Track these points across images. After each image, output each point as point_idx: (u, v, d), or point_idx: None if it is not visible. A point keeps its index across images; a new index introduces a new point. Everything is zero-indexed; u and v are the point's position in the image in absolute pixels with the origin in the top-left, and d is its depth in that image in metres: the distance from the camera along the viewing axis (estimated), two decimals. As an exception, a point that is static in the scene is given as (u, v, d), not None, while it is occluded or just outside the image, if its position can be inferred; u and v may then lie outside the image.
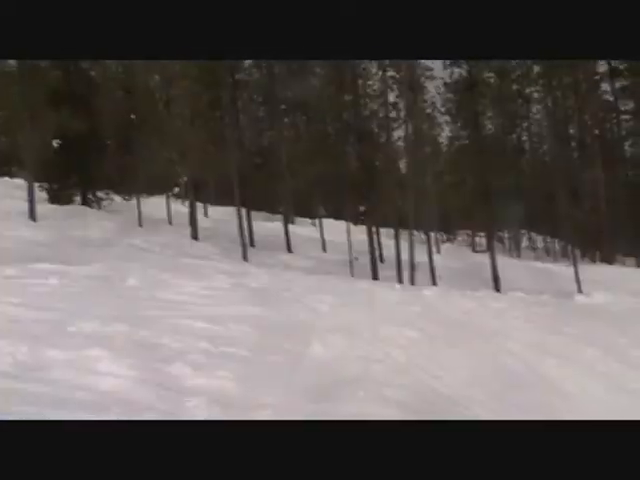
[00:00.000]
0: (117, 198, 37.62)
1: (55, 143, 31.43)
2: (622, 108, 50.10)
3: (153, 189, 39.63)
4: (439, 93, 46.25)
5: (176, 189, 40.08)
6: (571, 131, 49.22)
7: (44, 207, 30.86)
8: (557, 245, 52.91)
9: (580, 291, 25.86)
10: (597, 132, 49.87)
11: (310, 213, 45.77)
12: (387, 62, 36.92)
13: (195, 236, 32.76)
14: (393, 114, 37.77)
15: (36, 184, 31.01)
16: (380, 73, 37.81)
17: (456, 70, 39.20)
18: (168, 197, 38.47)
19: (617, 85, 49.89)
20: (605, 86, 50.48)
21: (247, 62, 40.33)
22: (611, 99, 50.17)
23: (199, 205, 37.54)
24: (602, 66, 50.19)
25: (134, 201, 35.84)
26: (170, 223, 36.75)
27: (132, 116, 37.99)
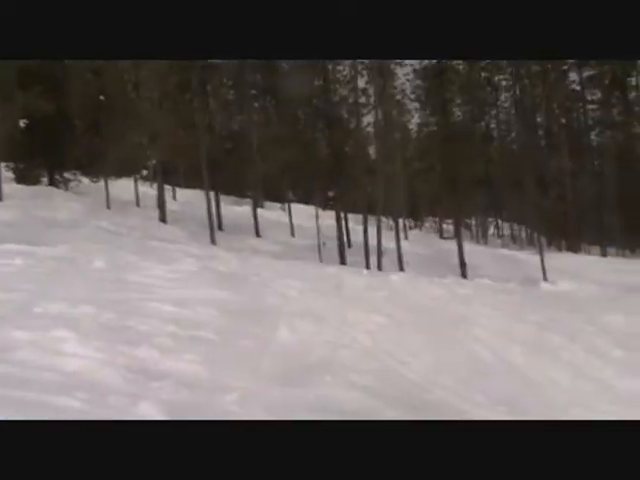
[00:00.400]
0: (85, 180, 37.46)
1: (22, 123, 31.26)
2: (589, 98, 50.54)
3: (121, 171, 39.44)
4: (408, 80, 46.52)
5: (144, 172, 39.94)
6: (538, 119, 49.62)
7: (10, 187, 30.74)
8: (524, 233, 53.16)
9: (546, 279, 26.00)
10: (564, 121, 50.23)
11: (279, 198, 45.83)
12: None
13: (163, 219, 32.63)
14: (363, 100, 37.70)
15: (2, 164, 30.87)
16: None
17: (425, 57, 39.38)
18: (136, 180, 38.42)
19: (584, 75, 50.18)
20: (573, 75, 50.79)
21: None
22: (578, 88, 50.51)
23: (167, 188, 37.44)
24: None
25: (102, 183, 35.71)
26: (138, 206, 36.68)
27: (101, 97, 37.82)
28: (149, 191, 37.50)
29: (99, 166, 36.77)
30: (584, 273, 28.31)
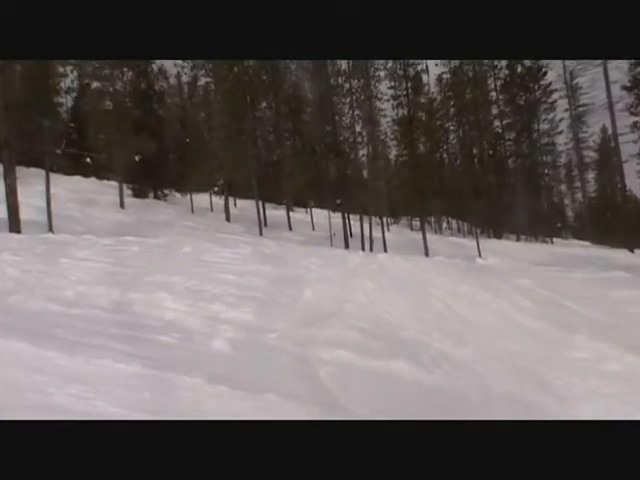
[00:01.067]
0: (177, 194, 37.65)
1: (137, 158, 31.41)
2: (507, 137, 50.32)
3: (200, 188, 39.62)
4: (389, 126, 46.35)
5: (216, 188, 40.07)
6: (475, 151, 49.32)
7: (129, 200, 31.02)
8: (465, 226, 52.96)
9: (480, 256, 25.85)
10: (491, 152, 50.09)
11: (304, 204, 45.77)
12: (355, 104, 36.91)
13: (228, 219, 32.80)
14: (359, 139, 37.79)
15: (124, 185, 31.06)
16: (350, 112, 37.67)
17: (400, 111, 39.37)
18: (210, 194, 38.65)
19: (504, 122, 50.07)
20: (497, 122, 50.57)
21: (262, 104, 40.26)
22: (500, 131, 50.30)
23: (231, 199, 37.50)
24: (495, 110, 50.42)
25: (188, 196, 35.90)
26: (212, 211, 36.80)
27: (186, 140, 37.97)
28: (219, 201, 37.56)
29: (186, 185, 36.97)
30: (505, 252, 28.18)
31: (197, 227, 25.51)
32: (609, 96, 40.51)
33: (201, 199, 38.04)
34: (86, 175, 37.45)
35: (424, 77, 49.61)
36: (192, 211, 34.45)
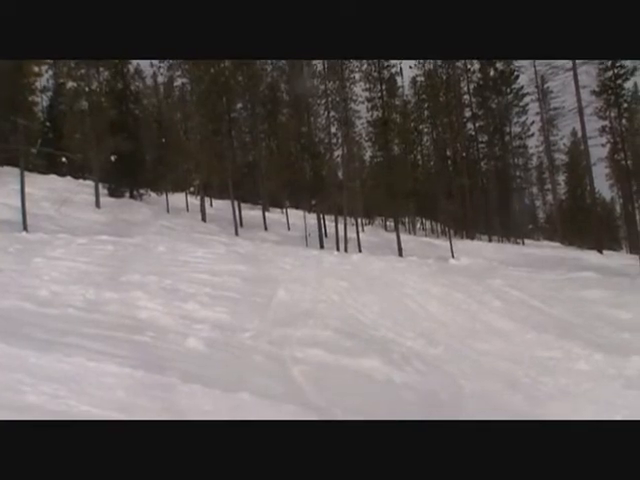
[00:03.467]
0: (153, 194, 37.50)
1: (113, 158, 31.19)
2: (480, 139, 50.66)
3: (176, 188, 39.49)
4: (364, 127, 46.45)
5: (192, 188, 39.96)
6: (448, 153, 49.58)
7: (105, 199, 30.80)
8: (439, 227, 53.19)
9: (453, 257, 25.95)
10: (464, 155, 50.34)
11: (280, 205, 45.65)
12: (330, 106, 36.94)
13: (204, 219, 32.63)
14: (334, 140, 37.84)
15: (100, 184, 30.85)
16: (325, 114, 37.68)
17: (375, 112, 39.50)
18: (186, 193, 38.54)
19: (477, 124, 50.40)
20: (470, 125, 50.91)
21: (238, 105, 40.16)
22: (473, 133, 50.62)
23: (207, 199, 37.36)
24: (468, 112, 50.78)
25: (164, 196, 35.77)
26: (188, 211, 36.64)
27: (163, 140, 37.83)
28: (195, 201, 37.41)
29: (162, 184, 36.82)
30: (477, 253, 28.37)
31: (173, 227, 25.37)
32: (579, 100, 40.97)
33: (177, 199, 37.86)
34: (61, 174, 37.05)
35: (398, 79, 49.74)
36: (168, 211, 34.25)
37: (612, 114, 39.91)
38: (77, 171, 38.50)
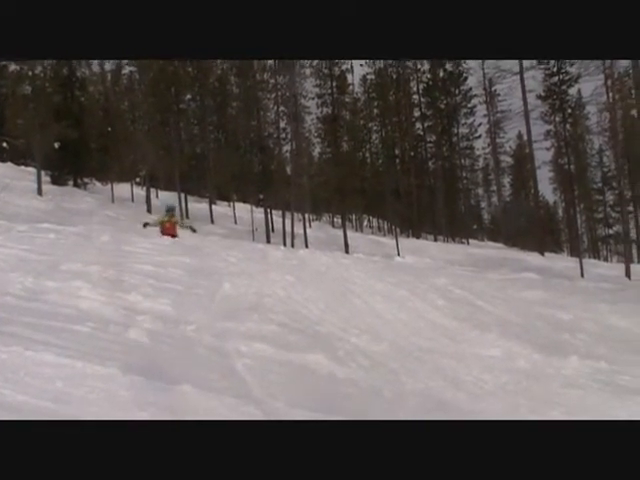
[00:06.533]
0: (98, 183, 36.93)
1: (56, 145, 30.56)
2: (428, 139, 51.15)
3: (122, 178, 38.91)
4: (313, 123, 46.55)
5: (137, 179, 39.49)
6: (396, 152, 49.91)
7: (47, 187, 30.21)
8: (386, 225, 53.59)
9: (398, 255, 26.21)
10: (412, 154, 50.83)
11: (227, 198, 45.37)
12: (280, 101, 36.89)
13: (149, 210, 32.27)
14: (283, 135, 37.85)
15: (43, 171, 30.25)
16: (275, 108, 37.61)
17: (324, 109, 39.61)
18: (132, 184, 38.01)
19: (425, 125, 50.91)
20: (418, 125, 51.37)
21: (187, 97, 39.76)
22: (422, 133, 51.11)
23: (153, 190, 36.96)
24: (417, 112, 51.21)
25: (109, 186, 35.28)
26: (133, 201, 36.19)
27: (109, 129, 37.24)
28: (140, 192, 36.97)
29: (107, 174, 36.31)
30: (423, 252, 28.70)
31: (117, 217, 25.03)
32: (525, 104, 41.73)
33: (122, 189, 37.33)
34: (2, 160, 36.21)
35: (349, 77, 49.94)
36: (113, 201, 33.79)
37: (557, 119, 40.76)
38: (19, 157, 37.65)
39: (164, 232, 15.63)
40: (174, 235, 15.62)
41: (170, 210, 16.98)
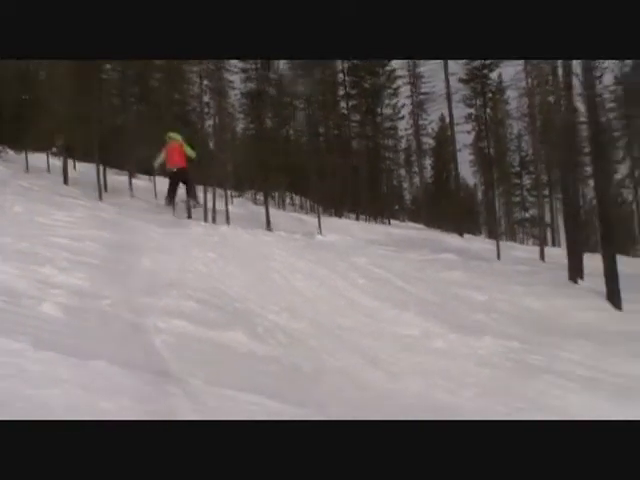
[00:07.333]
0: (11, 152, 35.68)
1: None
2: (352, 118, 51.40)
3: (38, 147, 37.71)
4: (238, 98, 46.14)
5: (54, 149, 38.34)
6: (321, 130, 50.00)
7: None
8: (308, 203, 53.71)
9: (320, 233, 26.35)
10: (337, 132, 51.03)
11: (148, 171, 44.53)
12: (204, 74, 36.39)
13: (66, 181, 31.45)
14: (206, 110, 37.38)
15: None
16: (198, 81, 37.09)
17: (248, 84, 39.33)
18: (48, 154, 36.95)
19: (350, 104, 51.10)
20: (343, 104, 51.49)
21: (107, 66, 38.75)
22: (346, 112, 51.28)
23: (70, 161, 35.98)
24: (342, 91, 51.33)
25: (23, 155, 34.18)
26: (49, 172, 35.17)
27: (24, 97, 36.03)
28: (57, 162, 35.91)
29: (22, 142, 35.15)
30: (344, 231, 28.95)
31: (31, 188, 24.17)
32: (447, 87, 42.45)
33: (38, 159, 36.19)
34: None
35: (275, 52, 49.54)
36: (27, 170, 32.76)
37: (478, 102, 41.67)
38: None
39: (168, 163, 14.47)
40: (184, 167, 14.53)
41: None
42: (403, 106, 53.82)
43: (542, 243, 26.99)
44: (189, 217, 29.56)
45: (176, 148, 13.33)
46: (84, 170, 37.61)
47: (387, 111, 52.48)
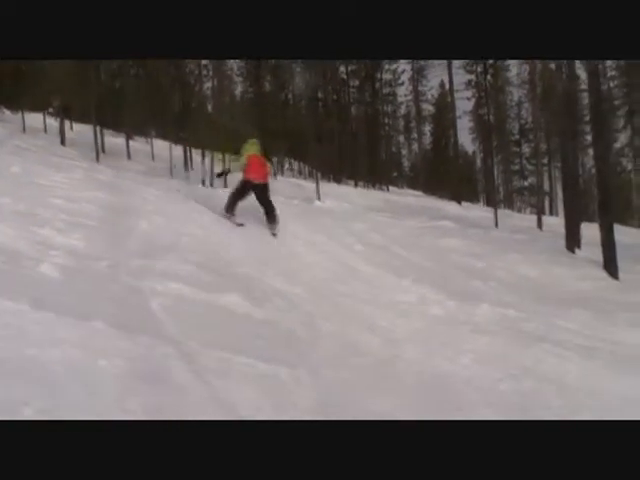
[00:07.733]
0: (7, 112, 35.43)
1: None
2: (350, 84, 51.09)
3: (35, 107, 37.45)
4: (235, 61, 45.77)
5: (51, 109, 38.08)
6: (319, 95, 49.68)
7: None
8: (307, 169, 53.54)
9: (319, 199, 26.25)
10: (335, 97, 50.71)
11: (145, 134, 44.33)
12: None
13: (63, 142, 31.25)
14: (204, 72, 37.16)
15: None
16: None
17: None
18: (45, 114, 36.72)
19: (349, 68, 50.84)
20: (342, 68, 51.09)
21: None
22: (345, 77, 50.98)
23: (67, 122, 35.77)
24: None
25: (20, 115, 33.96)
26: (45, 132, 34.94)
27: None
28: (54, 123, 35.67)
29: (18, 102, 34.90)
30: (343, 197, 28.81)
31: (29, 148, 24.01)
32: (449, 53, 41.98)
33: (34, 119, 35.89)
34: None
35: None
36: (24, 130, 32.56)
37: (478, 69, 41.36)
38: None
39: (251, 174, 11.67)
40: (265, 183, 11.87)
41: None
42: (403, 72, 53.46)
43: (540, 212, 26.95)
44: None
45: (262, 160, 11.54)
46: (81, 131, 37.36)
47: (387, 77, 52.21)
